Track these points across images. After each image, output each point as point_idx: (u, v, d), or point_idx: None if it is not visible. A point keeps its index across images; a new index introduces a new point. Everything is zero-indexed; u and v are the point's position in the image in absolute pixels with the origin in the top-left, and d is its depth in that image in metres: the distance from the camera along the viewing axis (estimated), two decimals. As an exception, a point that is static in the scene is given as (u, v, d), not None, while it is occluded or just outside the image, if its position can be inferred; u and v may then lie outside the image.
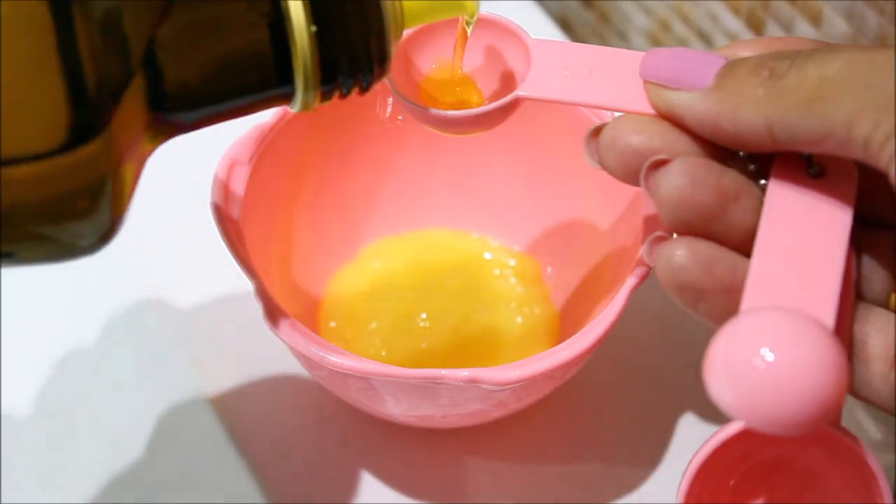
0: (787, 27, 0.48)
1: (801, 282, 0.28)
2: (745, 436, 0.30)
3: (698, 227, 0.29)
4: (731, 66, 0.29)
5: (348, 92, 0.30)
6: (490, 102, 0.33)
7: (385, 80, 0.32)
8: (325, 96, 0.30)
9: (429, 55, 0.35)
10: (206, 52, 0.27)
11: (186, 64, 0.27)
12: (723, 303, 0.29)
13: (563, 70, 0.33)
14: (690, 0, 0.54)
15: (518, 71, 0.34)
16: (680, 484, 0.30)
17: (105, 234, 0.28)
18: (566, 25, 0.66)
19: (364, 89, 0.30)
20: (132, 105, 0.26)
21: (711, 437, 0.30)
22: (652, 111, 0.31)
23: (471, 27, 0.33)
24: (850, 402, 0.43)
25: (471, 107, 0.33)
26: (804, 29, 0.47)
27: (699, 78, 0.30)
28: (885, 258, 0.30)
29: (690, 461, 0.30)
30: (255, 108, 0.30)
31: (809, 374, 0.26)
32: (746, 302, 0.28)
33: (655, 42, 0.58)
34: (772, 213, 0.29)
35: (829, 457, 0.31)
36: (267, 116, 0.40)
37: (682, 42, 0.56)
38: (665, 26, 0.57)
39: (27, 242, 0.26)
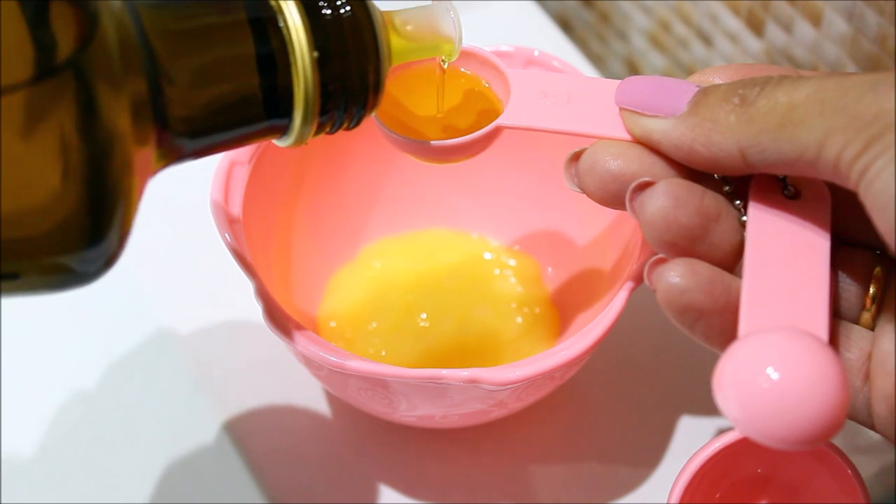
0: (787, 27, 0.48)
1: (792, 301, 0.29)
2: (732, 450, 0.30)
3: (682, 246, 0.30)
4: (704, 93, 0.30)
5: (338, 127, 0.30)
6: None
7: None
8: (319, 128, 0.30)
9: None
10: (205, 76, 0.28)
11: (188, 85, 0.27)
12: (719, 323, 0.30)
13: (542, 99, 0.34)
14: (690, 0, 0.54)
15: (499, 98, 0.35)
16: (671, 494, 0.31)
17: (111, 258, 0.28)
18: (566, 25, 0.66)
19: (353, 124, 0.31)
20: (141, 112, 0.26)
21: (700, 450, 0.31)
22: (629, 137, 0.32)
23: (447, 64, 0.34)
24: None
25: (433, 130, 0.34)
26: (804, 29, 0.47)
27: (673, 105, 0.31)
28: (856, 276, 0.31)
29: (681, 472, 0.31)
30: (251, 140, 0.30)
31: (813, 390, 0.26)
32: (744, 324, 0.29)
33: (655, 42, 0.58)
34: (756, 236, 0.30)
35: (811, 467, 0.32)
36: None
37: (682, 42, 0.56)
38: (665, 26, 0.57)
39: (35, 269, 0.26)
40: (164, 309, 0.45)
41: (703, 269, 0.30)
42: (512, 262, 0.45)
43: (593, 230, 0.43)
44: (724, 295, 0.30)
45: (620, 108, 0.32)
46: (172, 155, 0.28)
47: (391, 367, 0.34)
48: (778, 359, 0.27)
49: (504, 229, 0.46)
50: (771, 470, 0.33)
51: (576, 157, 0.33)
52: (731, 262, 0.31)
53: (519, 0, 0.56)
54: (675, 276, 0.30)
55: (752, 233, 0.30)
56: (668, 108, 0.31)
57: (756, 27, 0.50)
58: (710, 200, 0.30)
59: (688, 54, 0.56)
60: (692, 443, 0.42)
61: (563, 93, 0.34)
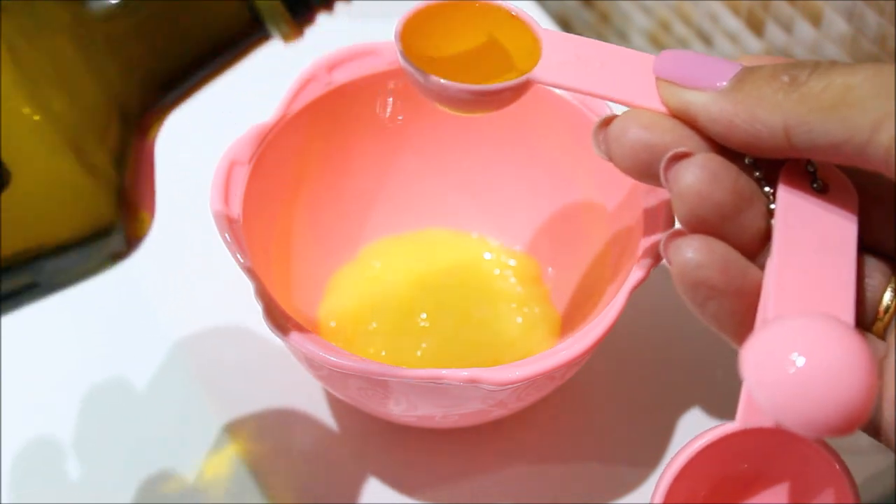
0: (786, 27, 0.48)
1: (819, 290, 0.29)
2: (717, 448, 0.30)
3: (711, 224, 0.30)
4: (750, 70, 0.30)
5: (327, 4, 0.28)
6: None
7: (397, 50, 0.32)
8: (301, 20, 0.28)
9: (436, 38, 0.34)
10: (170, 27, 0.27)
11: (156, 49, 0.27)
12: (731, 305, 0.30)
13: (574, 60, 0.33)
14: (690, 0, 0.54)
15: (522, 61, 0.34)
16: (655, 493, 0.30)
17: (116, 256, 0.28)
18: (566, 25, 0.66)
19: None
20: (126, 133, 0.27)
21: (684, 447, 0.30)
22: (661, 108, 0.31)
23: None
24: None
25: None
26: (804, 29, 0.47)
27: (715, 79, 0.30)
28: (871, 284, 0.31)
29: (665, 470, 0.30)
30: (239, 58, 0.29)
31: (842, 374, 0.26)
32: (772, 307, 0.29)
33: (655, 42, 0.58)
34: (784, 224, 0.30)
35: (800, 464, 0.31)
36: (267, 116, 0.40)
37: (682, 42, 0.56)
38: (665, 26, 0.57)
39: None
40: (163, 309, 0.45)
41: (721, 248, 0.30)
42: (512, 262, 0.45)
43: (593, 230, 0.43)
44: (739, 277, 0.29)
45: (658, 78, 0.31)
46: (163, 111, 0.28)
47: (391, 367, 0.34)
48: (806, 343, 0.26)
49: (504, 229, 0.45)
50: (758, 467, 0.32)
51: (605, 122, 0.32)
52: (754, 249, 0.30)
53: (519, 0, 0.56)
54: (691, 250, 0.29)
55: (780, 220, 0.30)
56: (710, 81, 0.30)
57: (756, 27, 0.50)
58: (745, 182, 0.30)
59: (688, 54, 0.56)
60: (692, 443, 0.42)
61: (595, 57, 0.33)
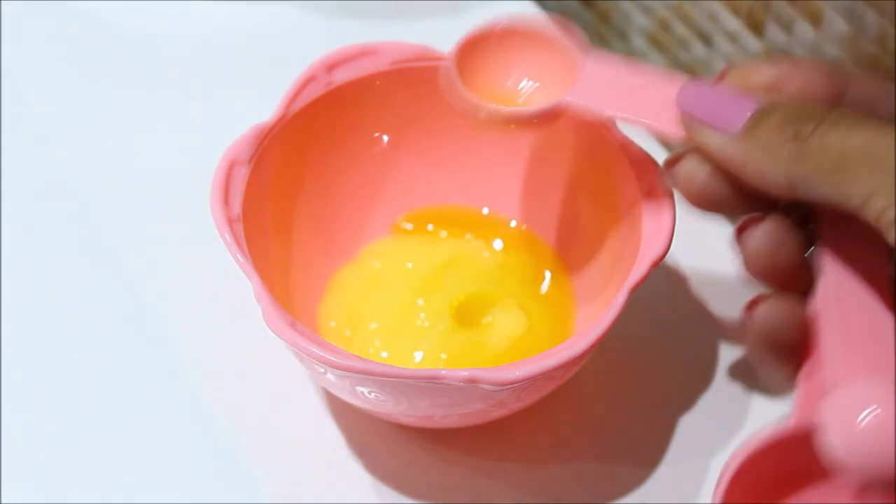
0: (787, 27, 0.48)
1: (872, 345, 0.31)
2: (772, 449, 0.31)
3: (773, 278, 0.32)
4: (761, 116, 0.31)
5: None
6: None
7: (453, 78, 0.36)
8: None
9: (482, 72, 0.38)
10: None
11: None
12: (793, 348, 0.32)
13: (606, 85, 0.35)
14: (690, 0, 0.54)
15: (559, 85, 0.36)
16: (716, 490, 0.31)
17: None
18: (566, 25, 0.66)
19: None
20: None
21: (743, 447, 0.31)
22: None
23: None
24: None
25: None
26: (804, 29, 0.47)
27: (730, 122, 0.31)
28: None
29: (725, 468, 0.32)
30: None
31: None
32: (842, 369, 0.30)
33: (655, 42, 0.58)
34: (828, 283, 0.31)
35: None
36: (267, 116, 0.40)
37: (682, 42, 0.56)
38: (665, 26, 0.57)
39: None
40: (163, 309, 0.45)
41: (785, 306, 0.32)
42: (512, 262, 0.45)
43: (593, 231, 0.43)
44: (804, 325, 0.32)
45: (680, 112, 0.33)
46: None
47: (391, 366, 0.34)
48: (878, 402, 0.29)
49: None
50: (811, 467, 0.33)
51: (671, 162, 0.34)
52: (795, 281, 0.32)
53: (519, 0, 0.56)
54: (769, 313, 0.32)
55: (824, 278, 0.31)
56: (725, 123, 0.31)
57: (756, 27, 0.50)
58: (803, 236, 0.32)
59: (688, 54, 0.56)
60: (692, 443, 0.42)
61: (627, 83, 0.35)
